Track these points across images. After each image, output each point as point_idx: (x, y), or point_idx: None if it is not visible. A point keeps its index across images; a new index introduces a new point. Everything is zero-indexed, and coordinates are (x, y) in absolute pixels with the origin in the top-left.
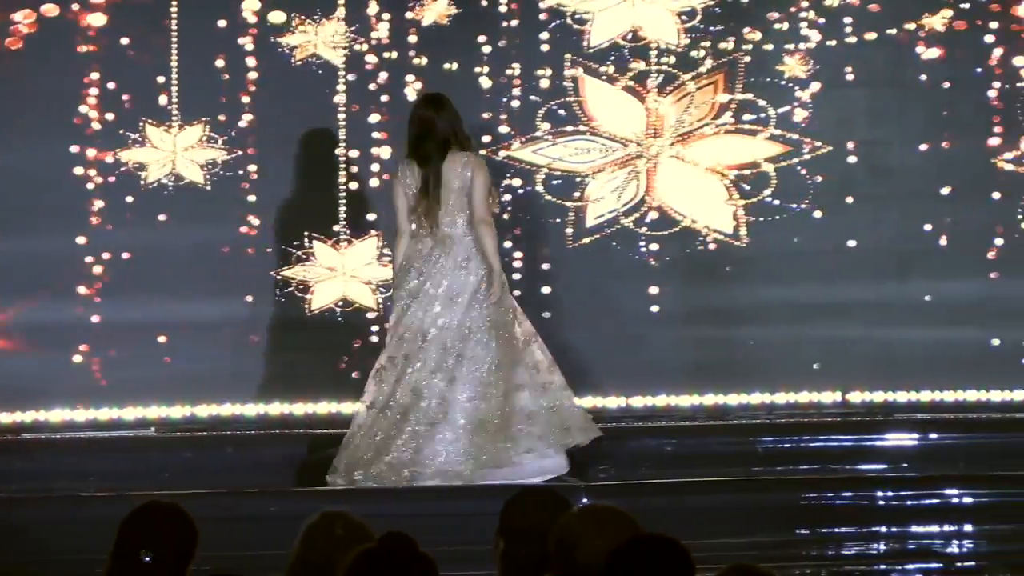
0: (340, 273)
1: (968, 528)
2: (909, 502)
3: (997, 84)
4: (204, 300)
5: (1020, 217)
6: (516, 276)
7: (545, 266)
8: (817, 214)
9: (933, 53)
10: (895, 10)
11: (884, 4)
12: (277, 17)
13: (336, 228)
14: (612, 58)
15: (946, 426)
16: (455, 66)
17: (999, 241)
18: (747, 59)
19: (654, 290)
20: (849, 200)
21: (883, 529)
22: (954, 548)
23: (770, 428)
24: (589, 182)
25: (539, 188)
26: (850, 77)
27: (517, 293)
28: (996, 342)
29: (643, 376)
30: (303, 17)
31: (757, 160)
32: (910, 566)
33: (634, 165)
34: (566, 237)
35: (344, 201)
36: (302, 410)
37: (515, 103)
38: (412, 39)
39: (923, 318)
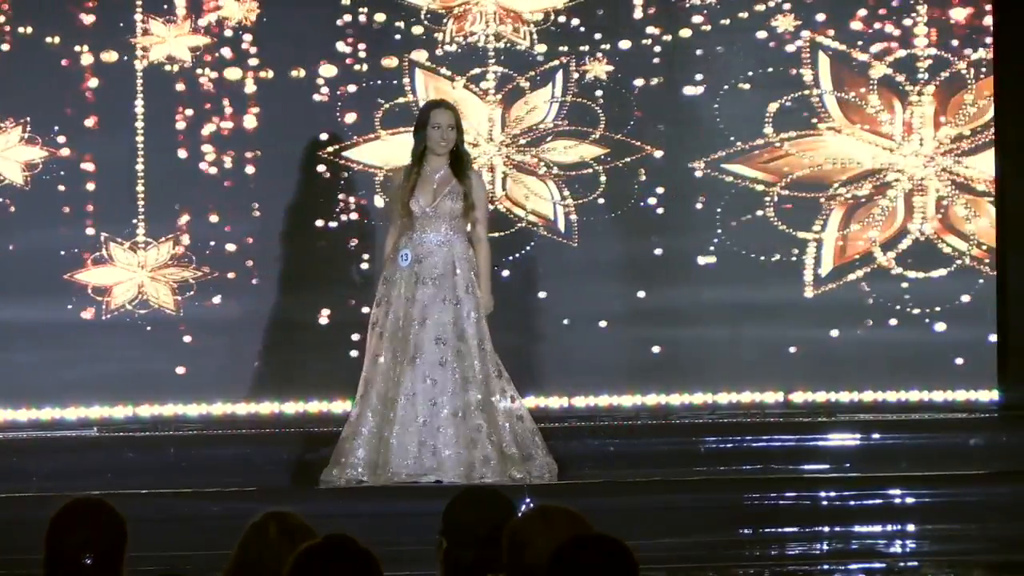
0: (137, 274)
1: (911, 528)
2: (852, 502)
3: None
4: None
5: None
6: None
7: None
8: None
9: (773, 54)
10: (738, 7)
11: (730, 3)
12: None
13: (139, 230)
14: (452, 58)
15: (889, 426)
16: (296, 64)
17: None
18: (585, 60)
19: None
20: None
21: (826, 529)
22: (896, 548)
23: (713, 428)
24: None
25: (377, 189)
26: (700, 78)
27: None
28: (940, 342)
29: (585, 376)
30: (153, 16)
31: (586, 159)
32: (853, 566)
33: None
34: None
35: (143, 202)
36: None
37: (354, 102)
38: (248, 37)
39: (865, 318)
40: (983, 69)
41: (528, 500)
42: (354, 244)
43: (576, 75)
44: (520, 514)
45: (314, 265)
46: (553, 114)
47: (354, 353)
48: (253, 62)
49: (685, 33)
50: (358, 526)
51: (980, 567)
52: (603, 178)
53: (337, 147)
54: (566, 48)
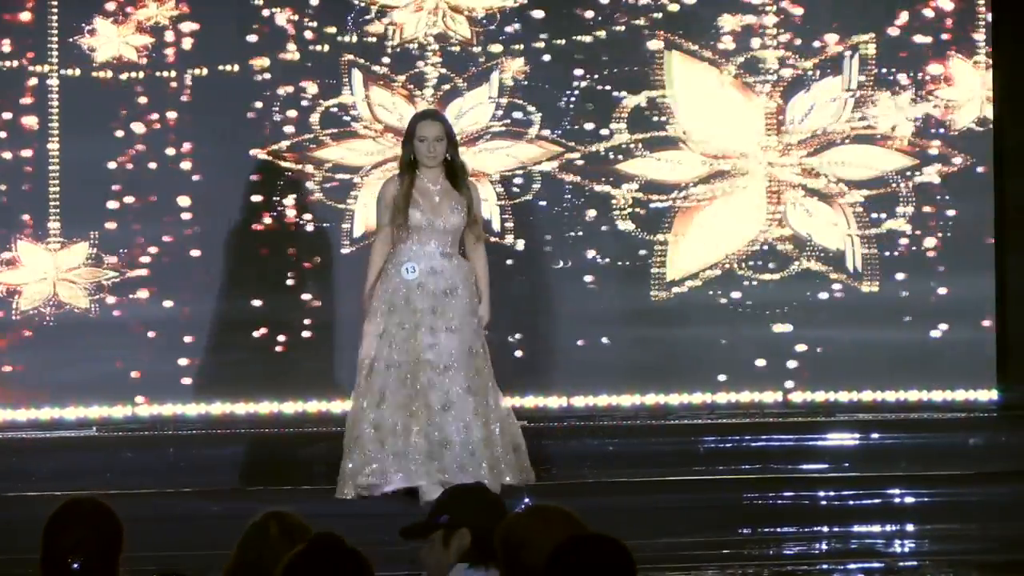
0: (50, 275)
1: (910, 528)
2: (851, 502)
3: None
4: None
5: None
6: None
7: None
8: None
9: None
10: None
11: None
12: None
13: (52, 229)
14: (391, 58)
15: (888, 426)
16: (232, 62)
17: (932, 241)
18: (511, 59)
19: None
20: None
21: (825, 529)
22: (896, 548)
23: (712, 428)
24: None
25: (316, 189)
26: (656, 82)
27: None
28: (938, 341)
29: (584, 376)
30: (101, 16)
31: (525, 163)
32: (852, 565)
33: None
34: (342, 242)
35: (57, 203)
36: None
37: (291, 101)
38: (185, 36)
39: (865, 318)
40: (829, 69)
41: (527, 501)
42: (291, 249)
43: (512, 75)
44: (514, 513)
45: (252, 265)
46: (489, 114)
47: (289, 350)
48: (189, 60)
49: (621, 29)
50: (358, 526)
51: (980, 567)
52: (538, 179)
53: (274, 147)
54: (503, 48)
